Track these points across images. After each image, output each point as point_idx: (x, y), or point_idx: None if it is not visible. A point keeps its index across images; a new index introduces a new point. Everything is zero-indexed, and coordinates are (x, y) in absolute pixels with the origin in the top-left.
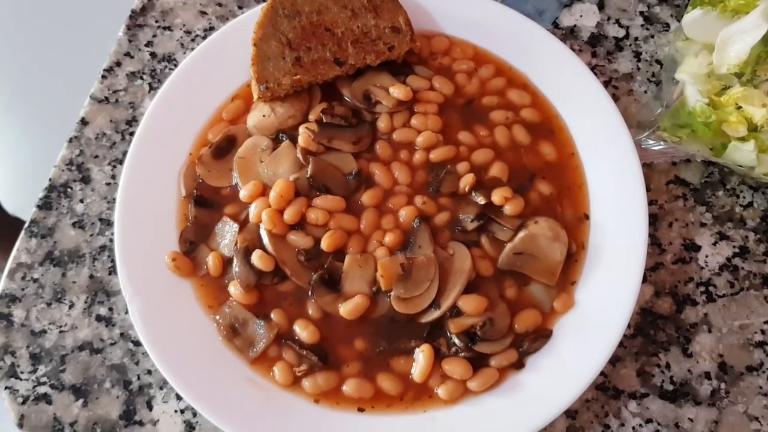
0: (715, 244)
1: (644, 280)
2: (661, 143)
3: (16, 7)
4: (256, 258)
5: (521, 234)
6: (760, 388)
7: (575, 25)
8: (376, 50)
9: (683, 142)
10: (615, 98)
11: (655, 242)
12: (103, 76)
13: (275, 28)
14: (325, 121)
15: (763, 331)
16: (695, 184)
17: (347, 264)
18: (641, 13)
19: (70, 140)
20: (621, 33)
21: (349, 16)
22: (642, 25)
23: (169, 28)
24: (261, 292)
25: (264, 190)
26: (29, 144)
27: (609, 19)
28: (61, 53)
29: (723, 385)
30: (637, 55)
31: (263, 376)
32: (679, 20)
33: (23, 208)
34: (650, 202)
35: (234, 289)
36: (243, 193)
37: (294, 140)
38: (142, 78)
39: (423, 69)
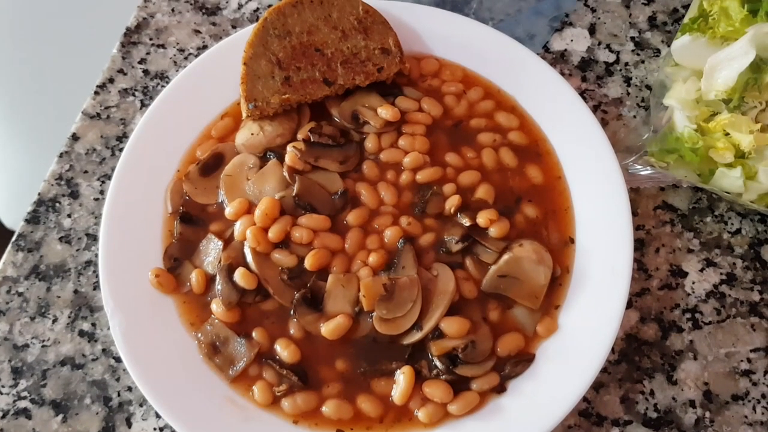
0: (702, 270)
1: (630, 305)
2: (649, 168)
3: (11, 23)
4: (239, 276)
5: (506, 256)
6: (746, 417)
7: (566, 50)
8: (366, 71)
9: (671, 167)
10: (604, 123)
11: (641, 267)
12: (96, 92)
13: (265, 48)
14: (312, 140)
15: (749, 360)
16: (683, 210)
17: (330, 283)
18: (632, 38)
19: (61, 155)
20: (611, 58)
21: (339, 36)
22: (633, 51)
23: (162, 46)
24: (243, 310)
25: (250, 208)
26: (27, 158)
27: (600, 43)
28: (58, 68)
29: (708, 414)
30: (627, 80)
31: (243, 395)
32: (669, 46)
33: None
34: (637, 227)
35: (216, 306)
36: (228, 211)
37: (281, 159)
38: (134, 95)
39: (412, 90)
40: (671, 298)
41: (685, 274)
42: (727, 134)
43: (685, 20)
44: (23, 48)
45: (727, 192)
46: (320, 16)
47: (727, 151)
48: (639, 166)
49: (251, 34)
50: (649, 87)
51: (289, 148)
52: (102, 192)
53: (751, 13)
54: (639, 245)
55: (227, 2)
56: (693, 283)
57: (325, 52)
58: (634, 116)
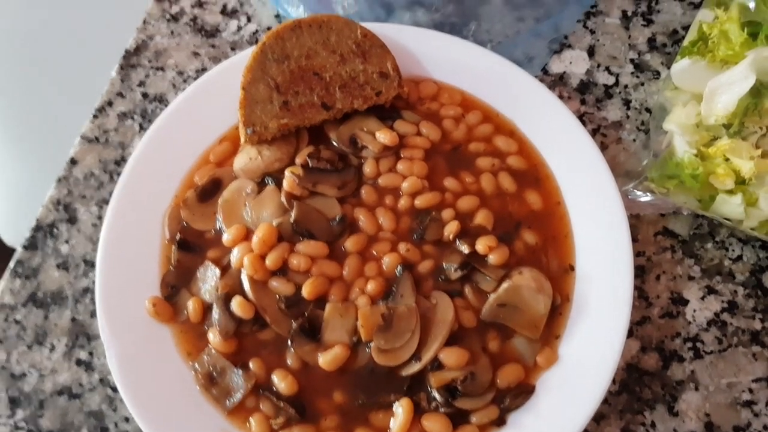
0: (703, 298)
1: (630, 334)
2: (649, 195)
3: (10, 47)
4: (236, 305)
5: (505, 285)
6: None
7: (565, 72)
8: (364, 95)
9: (671, 193)
10: (603, 146)
11: (642, 295)
12: (95, 116)
13: (264, 72)
14: (310, 165)
15: (751, 390)
16: (684, 236)
17: (328, 313)
18: (631, 60)
19: (59, 180)
20: (611, 80)
21: (338, 60)
22: (632, 73)
23: (161, 69)
24: (240, 340)
25: (247, 235)
26: (27, 176)
27: (599, 66)
28: (57, 91)
29: None
30: (627, 103)
31: (239, 427)
32: (669, 68)
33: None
34: (638, 254)
35: (213, 336)
36: (226, 237)
37: (279, 184)
38: (132, 118)
39: (410, 114)
40: (672, 327)
41: (686, 302)
42: (728, 160)
43: (685, 43)
44: (23, 71)
45: (727, 219)
46: (318, 40)
47: (728, 178)
48: (639, 192)
49: (250, 59)
50: (648, 110)
51: (287, 173)
52: (100, 217)
53: (751, 37)
54: (639, 272)
55: (226, 24)
56: (694, 311)
57: (323, 76)
58: (634, 140)
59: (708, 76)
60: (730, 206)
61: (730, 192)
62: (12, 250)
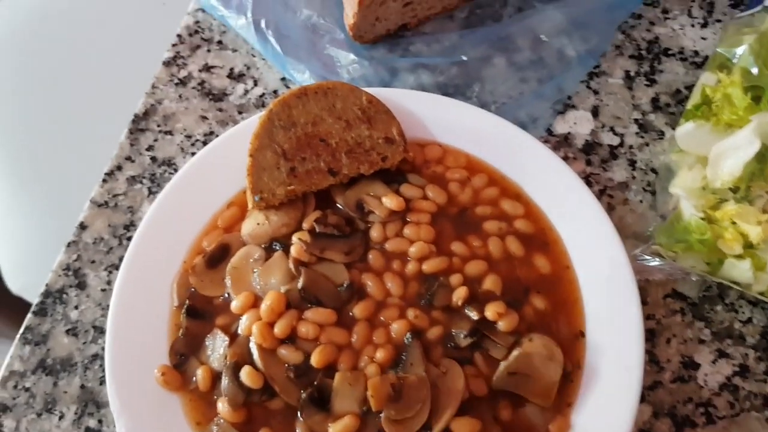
0: (714, 362)
1: (642, 399)
2: (657, 260)
3: (20, 113)
4: (245, 375)
5: (515, 352)
6: None
7: (569, 133)
8: (370, 160)
9: (679, 257)
10: (610, 208)
11: (653, 359)
12: (104, 180)
13: (271, 139)
14: (317, 231)
15: None
16: (693, 299)
17: (337, 382)
18: (636, 120)
19: (69, 245)
20: (616, 141)
21: (344, 127)
22: (637, 133)
23: (170, 133)
24: (249, 409)
25: (255, 302)
26: (38, 240)
27: (603, 126)
28: (68, 155)
29: None
30: (632, 164)
31: None
32: (673, 128)
33: (27, 288)
34: (647, 317)
35: (222, 406)
36: (234, 305)
37: (287, 250)
38: (141, 182)
39: (416, 177)
40: (684, 392)
41: (697, 366)
42: (735, 224)
43: (689, 106)
44: (33, 134)
45: (736, 283)
46: (324, 106)
47: (736, 243)
48: (648, 257)
49: (257, 126)
50: (654, 170)
51: (294, 239)
52: (109, 282)
53: (754, 101)
54: (650, 336)
55: (233, 88)
56: (706, 375)
57: (329, 143)
58: (641, 201)
59: (713, 139)
60: (738, 271)
61: (739, 257)
62: (16, 299)
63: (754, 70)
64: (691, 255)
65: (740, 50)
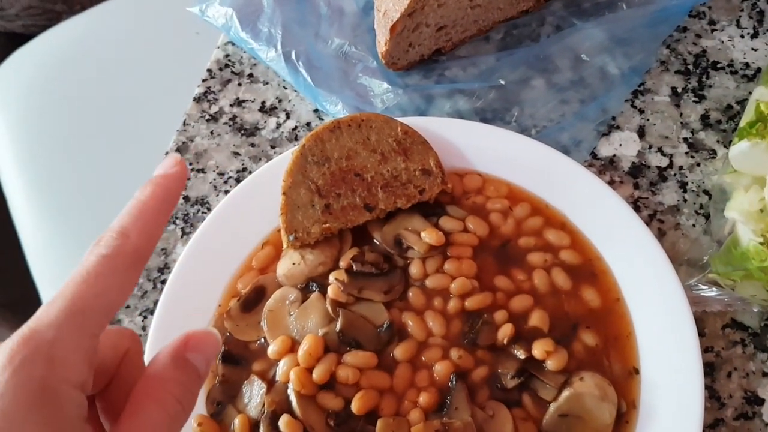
0: None
1: None
2: (714, 289)
3: (59, 151)
4: (284, 424)
5: (566, 393)
6: None
7: (615, 155)
8: (407, 194)
9: (738, 285)
10: (661, 233)
11: (713, 395)
12: None
13: (304, 176)
14: (355, 269)
15: None
16: (755, 329)
17: (380, 429)
18: (685, 139)
19: None
20: (664, 162)
21: (379, 160)
22: (686, 153)
23: (202, 170)
24: None
25: (293, 346)
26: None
27: (650, 147)
28: (102, 192)
29: None
30: (683, 186)
31: None
32: (726, 146)
33: None
34: (705, 350)
35: None
36: (271, 349)
37: (324, 290)
38: (175, 222)
39: (456, 209)
40: (748, 429)
41: (761, 401)
42: None
43: (742, 124)
44: (65, 176)
45: None
46: (358, 140)
47: None
48: (704, 287)
49: (290, 162)
50: (707, 192)
51: (331, 278)
52: (144, 328)
53: None
54: (709, 370)
55: (265, 122)
56: None
57: (364, 177)
58: (693, 225)
59: None
60: None
61: None
62: None
63: None
64: (751, 283)
65: None
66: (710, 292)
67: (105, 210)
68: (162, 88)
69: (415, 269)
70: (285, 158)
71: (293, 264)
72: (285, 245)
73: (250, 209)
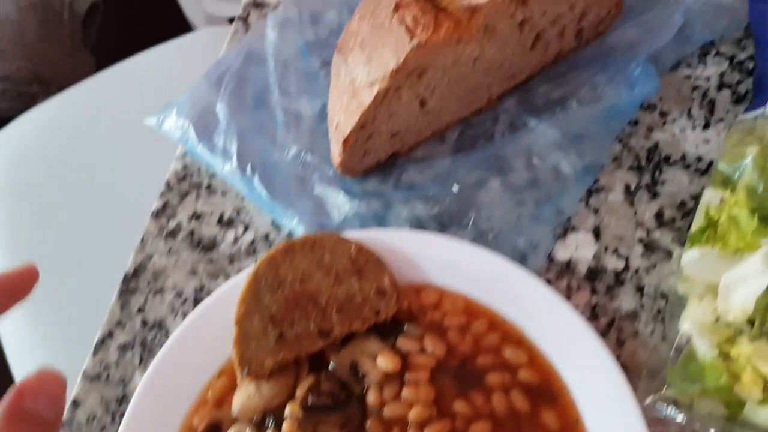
0: None
1: None
2: (674, 408)
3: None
4: None
5: None
6: None
7: (571, 258)
8: (362, 316)
9: (695, 402)
10: (620, 342)
11: None
12: (95, 351)
13: (258, 303)
14: (310, 403)
15: None
16: None
17: None
18: (640, 240)
19: (63, 425)
20: (620, 264)
21: (333, 281)
22: (642, 255)
23: (160, 291)
24: None
25: None
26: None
27: (606, 249)
28: (61, 320)
29: None
30: (640, 290)
31: None
32: (681, 244)
33: None
34: None
35: None
36: None
37: (280, 423)
38: (132, 349)
39: (413, 327)
40: None
41: None
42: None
43: (694, 227)
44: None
45: (760, 428)
46: (312, 260)
47: (755, 386)
48: (661, 406)
49: (243, 288)
50: (664, 295)
51: (287, 412)
52: None
53: (762, 222)
54: None
55: (223, 236)
56: None
57: (319, 301)
58: (652, 332)
59: (721, 266)
60: (760, 417)
61: (761, 401)
62: None
63: (760, 188)
64: (710, 400)
65: (744, 163)
66: (668, 411)
67: (69, 339)
68: (126, 202)
69: (372, 397)
70: (240, 280)
71: (248, 397)
72: (239, 379)
73: (205, 338)
